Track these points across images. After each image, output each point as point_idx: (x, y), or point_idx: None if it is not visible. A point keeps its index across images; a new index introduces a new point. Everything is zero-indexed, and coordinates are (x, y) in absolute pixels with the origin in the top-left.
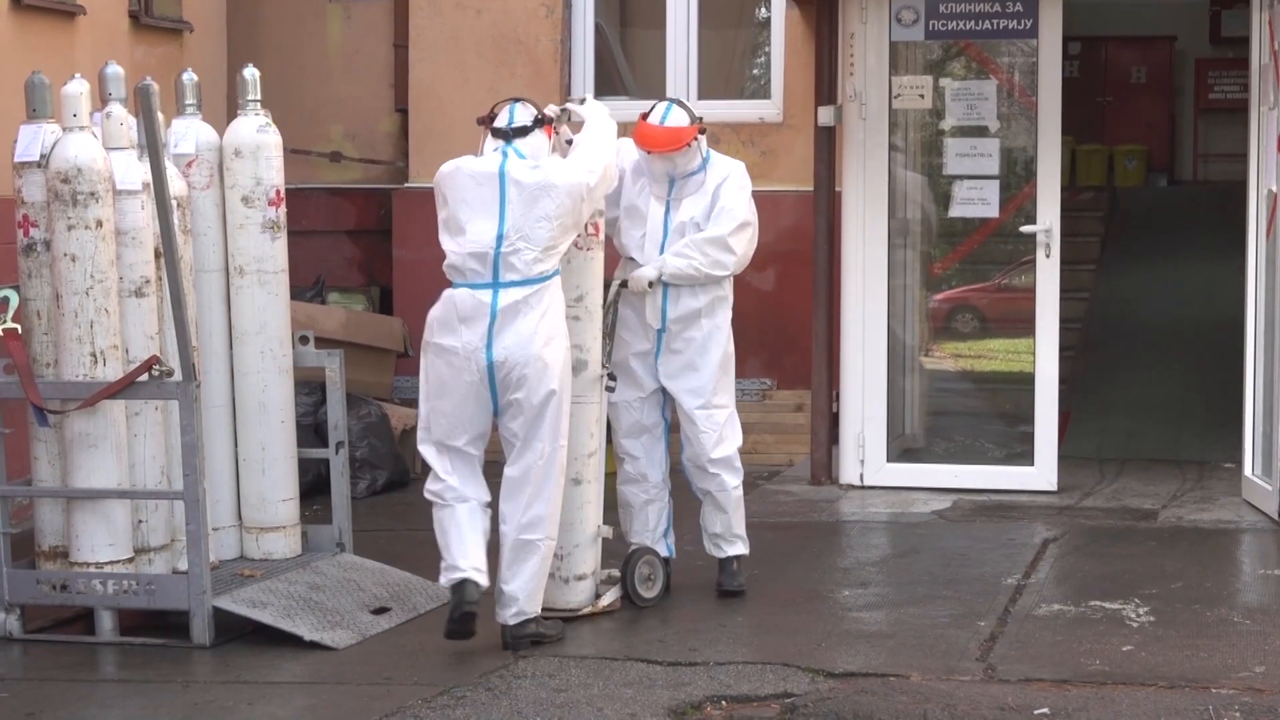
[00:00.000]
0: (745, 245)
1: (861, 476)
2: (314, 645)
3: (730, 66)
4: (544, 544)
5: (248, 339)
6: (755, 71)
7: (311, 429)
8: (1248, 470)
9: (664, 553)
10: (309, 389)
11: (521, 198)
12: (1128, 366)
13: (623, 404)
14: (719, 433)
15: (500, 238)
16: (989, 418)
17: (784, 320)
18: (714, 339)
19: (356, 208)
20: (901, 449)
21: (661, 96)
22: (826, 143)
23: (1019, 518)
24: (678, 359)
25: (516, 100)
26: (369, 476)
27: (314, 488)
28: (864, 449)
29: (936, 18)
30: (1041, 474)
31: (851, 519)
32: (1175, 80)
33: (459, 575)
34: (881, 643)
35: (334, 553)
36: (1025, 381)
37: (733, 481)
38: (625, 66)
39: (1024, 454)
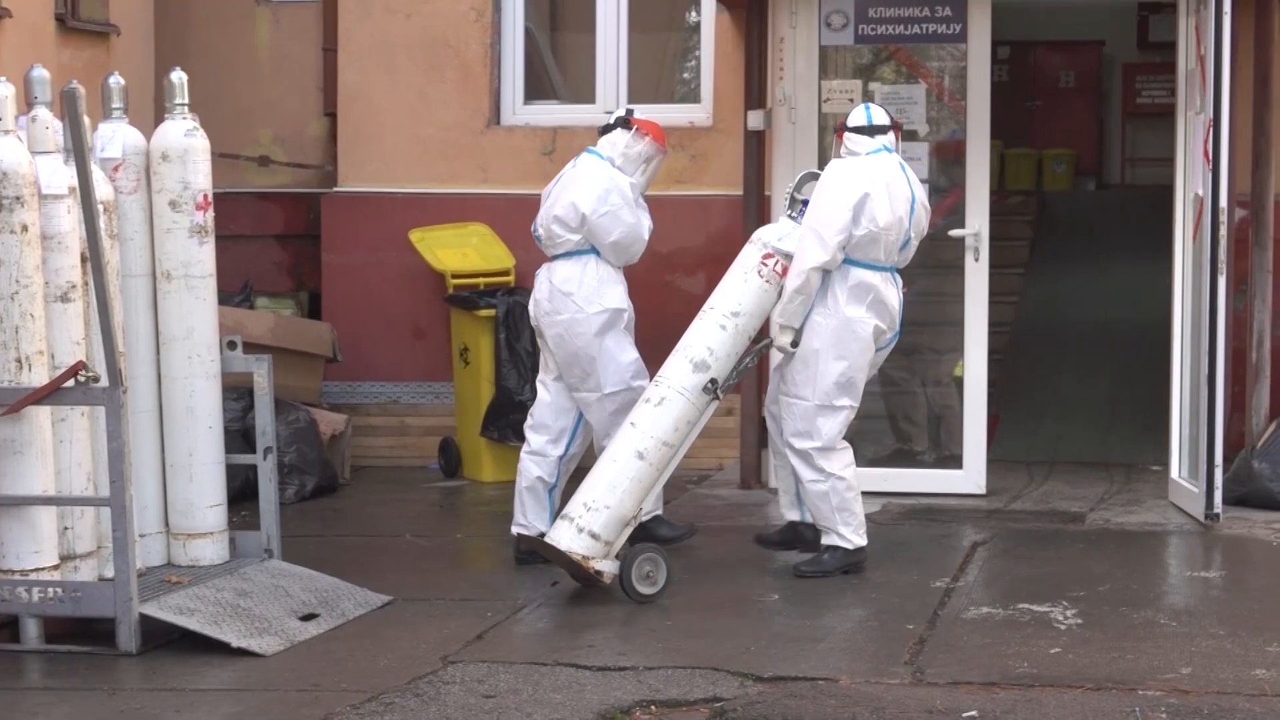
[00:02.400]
0: (802, 253)
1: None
2: (242, 652)
3: (660, 70)
4: None
5: (175, 344)
6: (685, 75)
7: (239, 434)
8: (1174, 473)
9: (796, 517)
10: (237, 394)
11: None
12: (1056, 370)
13: (773, 373)
14: (794, 425)
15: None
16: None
17: None
18: (806, 341)
19: (285, 212)
20: None
21: (591, 100)
22: (756, 147)
23: (948, 521)
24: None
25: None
26: (297, 482)
27: (242, 493)
28: None
29: (866, 22)
30: (970, 477)
31: (780, 523)
32: (1103, 85)
33: None
34: (810, 647)
35: (262, 559)
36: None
37: (806, 475)
38: (555, 70)
39: (953, 458)
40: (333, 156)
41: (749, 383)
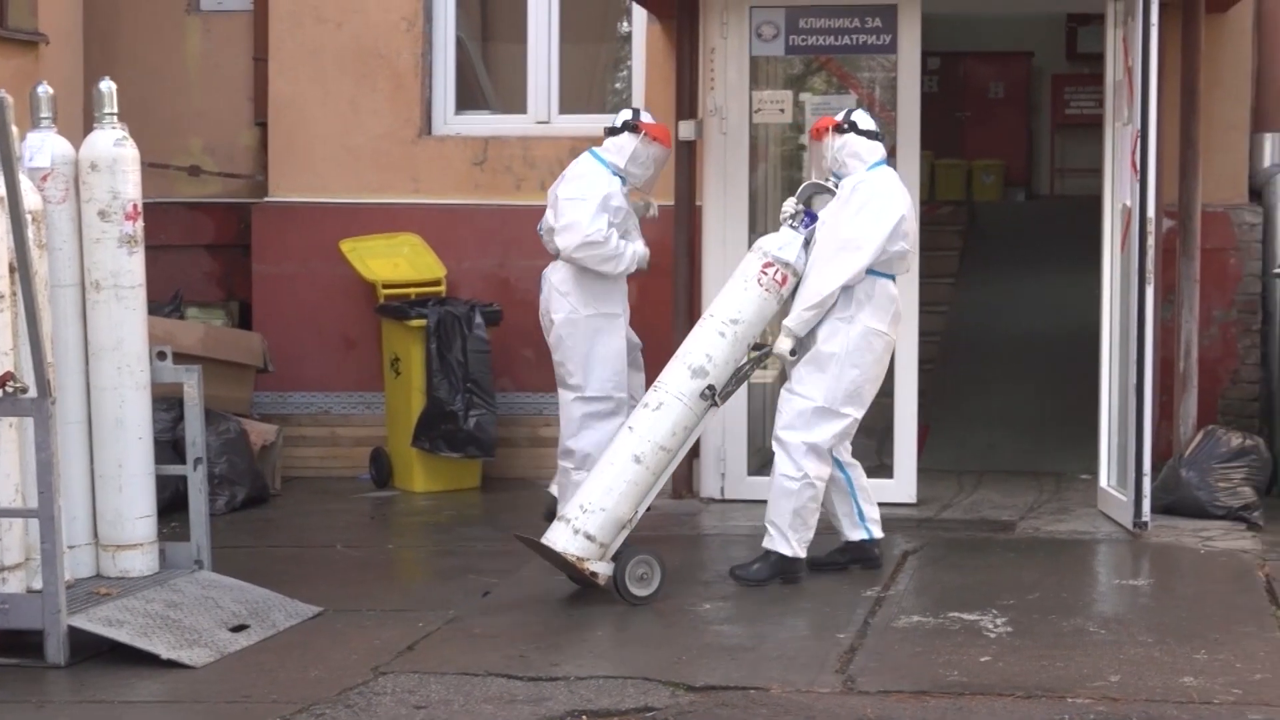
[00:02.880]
0: (837, 269)
1: (722, 490)
2: (172, 664)
3: (592, 81)
4: None
5: (104, 355)
6: (617, 86)
7: (170, 445)
8: (1103, 481)
9: (859, 535)
10: (167, 405)
11: None
12: (986, 379)
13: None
14: (789, 418)
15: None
16: None
17: (644, 334)
18: (814, 338)
19: (215, 222)
20: (762, 462)
21: (522, 110)
22: (687, 157)
23: None
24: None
25: None
26: (228, 493)
27: (172, 504)
28: (724, 462)
29: (796, 33)
30: (901, 486)
31: (712, 532)
32: (1032, 96)
33: None
34: (742, 656)
35: (192, 570)
36: (884, 394)
37: (782, 467)
38: (486, 80)
39: (883, 467)
40: (263, 166)
41: None
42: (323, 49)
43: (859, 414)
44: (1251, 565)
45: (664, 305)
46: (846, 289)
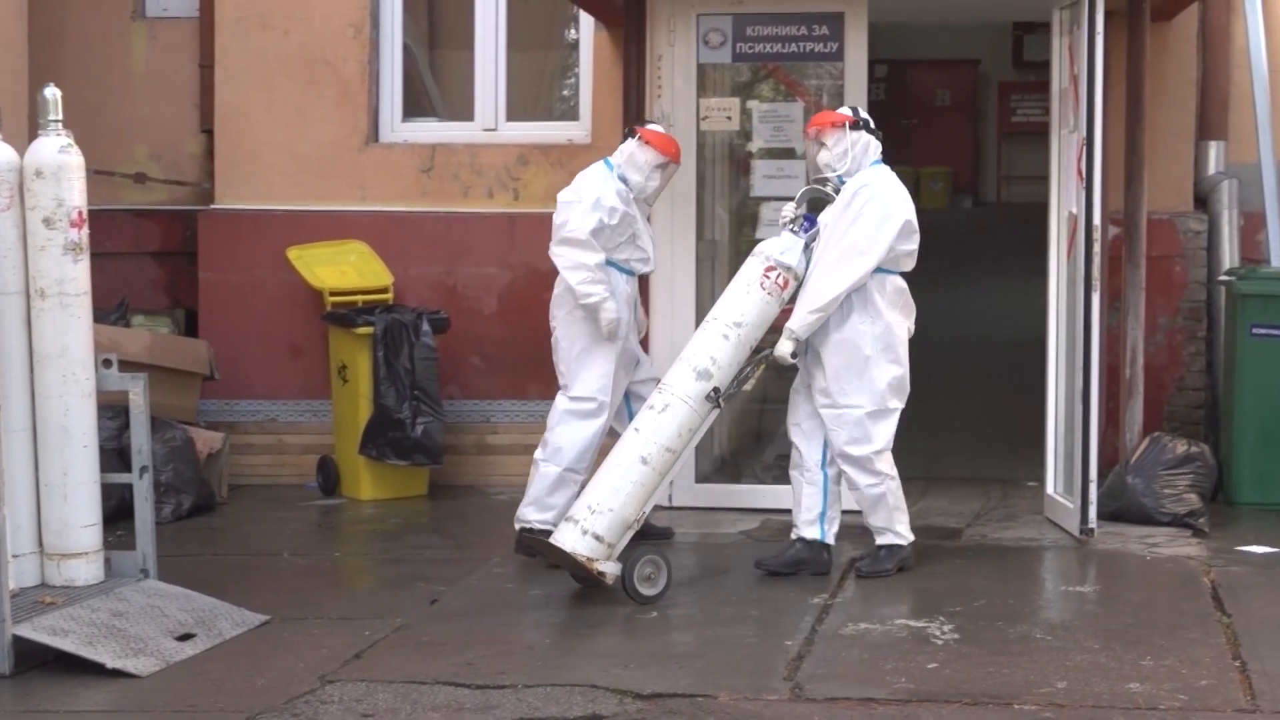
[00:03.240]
0: (846, 271)
1: (670, 497)
2: (117, 673)
3: (539, 88)
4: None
5: (49, 362)
6: (564, 93)
7: (115, 453)
8: (1050, 488)
9: (815, 535)
10: (113, 413)
11: None
12: (933, 386)
13: (793, 393)
14: (848, 433)
15: None
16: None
17: None
18: (840, 347)
19: (161, 229)
20: (712, 469)
21: (469, 117)
22: None
23: None
24: (812, 360)
25: None
26: (174, 501)
27: (118, 513)
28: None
29: (744, 41)
30: (846, 493)
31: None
32: (979, 103)
33: None
34: (690, 663)
35: (138, 579)
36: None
37: (864, 480)
38: (434, 87)
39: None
40: (210, 174)
41: None
42: (269, 56)
43: (903, 403)
44: (1197, 571)
45: None
46: (861, 291)
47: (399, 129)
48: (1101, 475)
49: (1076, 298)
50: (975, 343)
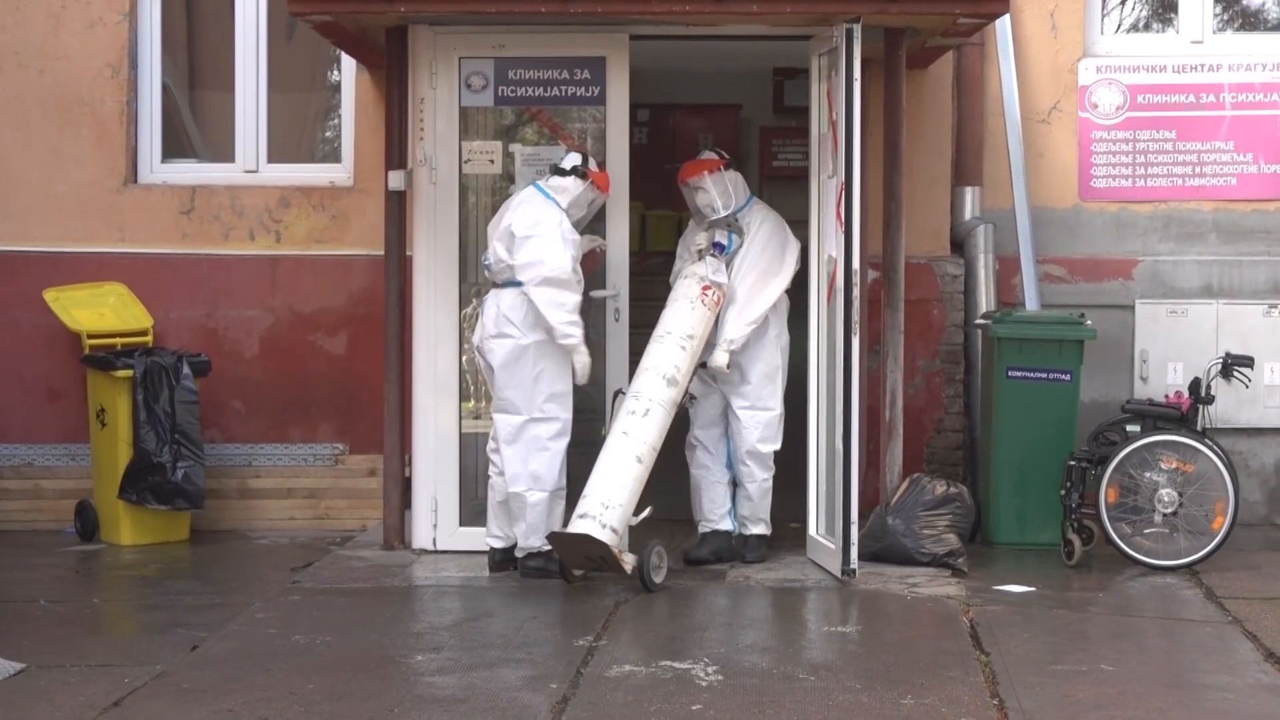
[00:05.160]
0: (775, 286)
1: (435, 540)
2: None
3: (302, 130)
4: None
5: None
6: (327, 135)
7: None
8: (812, 530)
9: (728, 527)
10: None
11: None
12: None
13: (702, 401)
14: (761, 432)
15: None
16: None
17: (356, 384)
18: (760, 356)
19: None
20: (475, 512)
21: (230, 159)
22: (397, 207)
23: (591, 580)
24: (732, 371)
25: None
26: None
27: None
28: (436, 513)
29: (506, 84)
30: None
31: (425, 583)
32: (741, 147)
33: None
34: (454, 707)
35: None
36: (588, 445)
37: (762, 474)
38: (194, 128)
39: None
40: None
41: (392, 441)
42: (24, 95)
43: None
44: (956, 611)
45: (377, 356)
46: (778, 307)
47: (159, 170)
48: (863, 516)
49: (837, 341)
50: None
